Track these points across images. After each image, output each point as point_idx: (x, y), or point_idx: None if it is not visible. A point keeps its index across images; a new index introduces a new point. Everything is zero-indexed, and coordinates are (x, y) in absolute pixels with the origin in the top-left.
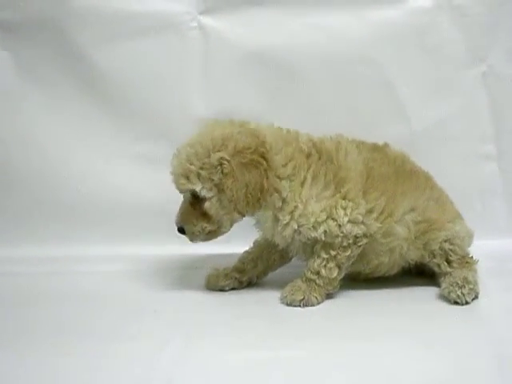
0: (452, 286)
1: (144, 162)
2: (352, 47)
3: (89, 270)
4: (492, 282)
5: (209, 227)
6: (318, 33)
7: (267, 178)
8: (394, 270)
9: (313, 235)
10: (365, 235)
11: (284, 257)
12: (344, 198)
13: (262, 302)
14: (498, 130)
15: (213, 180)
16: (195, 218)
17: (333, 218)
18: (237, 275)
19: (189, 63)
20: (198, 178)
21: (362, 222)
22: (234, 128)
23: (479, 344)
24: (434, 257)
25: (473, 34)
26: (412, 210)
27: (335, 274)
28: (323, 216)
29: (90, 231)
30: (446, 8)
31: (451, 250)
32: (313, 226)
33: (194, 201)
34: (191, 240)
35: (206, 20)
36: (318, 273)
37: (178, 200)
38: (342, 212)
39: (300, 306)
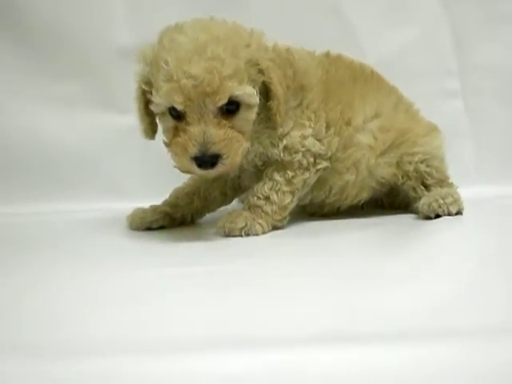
0: (431, 198)
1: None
2: None
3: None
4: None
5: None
6: None
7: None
8: (364, 195)
9: (272, 152)
10: (325, 156)
11: (226, 195)
12: (307, 109)
13: (197, 235)
14: (462, 63)
15: (256, 81)
16: (231, 139)
17: (297, 129)
18: (169, 210)
19: None
20: (247, 79)
21: (324, 138)
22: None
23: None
24: (409, 179)
25: None
26: (376, 116)
27: (287, 200)
28: (287, 128)
29: None
30: None
31: (427, 172)
32: (271, 143)
33: (221, 117)
34: (227, 170)
35: None
36: (267, 198)
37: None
38: (307, 123)
39: (241, 235)
